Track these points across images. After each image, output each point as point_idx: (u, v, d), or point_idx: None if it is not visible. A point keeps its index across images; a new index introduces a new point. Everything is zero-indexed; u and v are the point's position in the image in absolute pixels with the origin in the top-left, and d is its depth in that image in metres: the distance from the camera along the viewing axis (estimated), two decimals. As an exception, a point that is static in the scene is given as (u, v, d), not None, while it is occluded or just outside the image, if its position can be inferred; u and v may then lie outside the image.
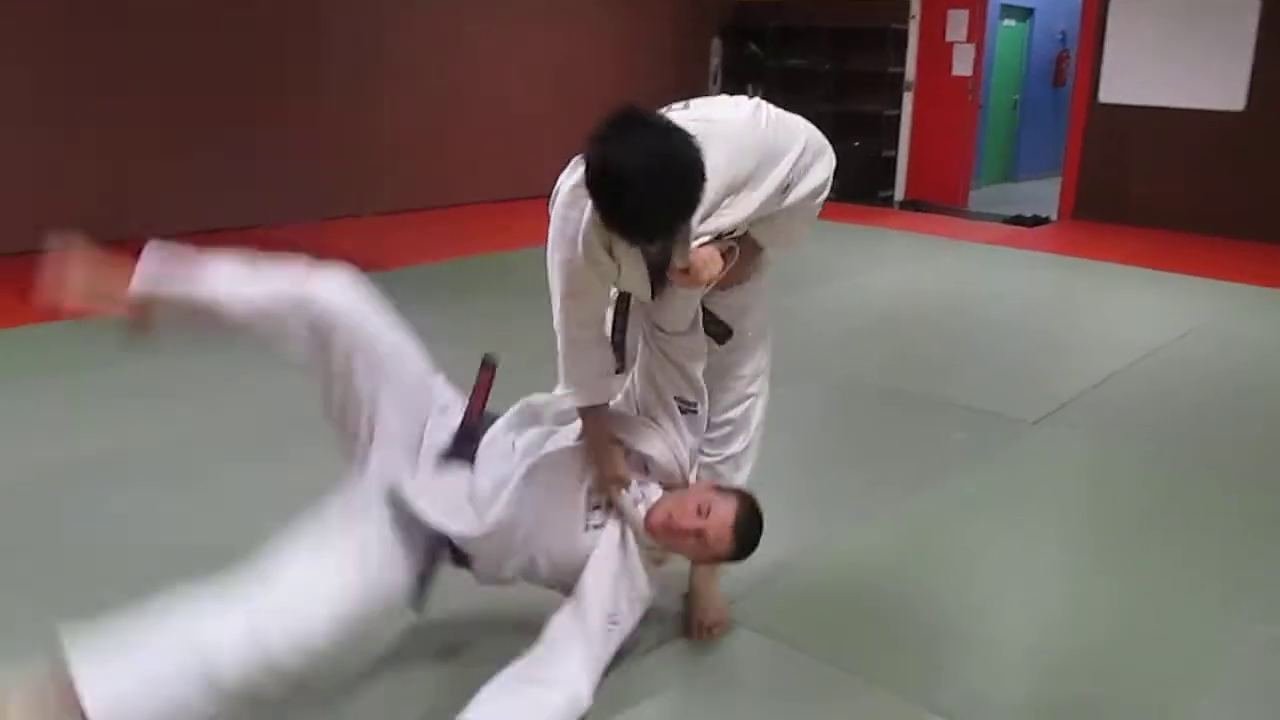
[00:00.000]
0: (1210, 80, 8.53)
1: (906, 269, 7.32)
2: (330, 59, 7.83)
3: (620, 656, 2.21)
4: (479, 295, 5.91)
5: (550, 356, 2.21)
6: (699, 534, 2.11)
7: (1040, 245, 8.20)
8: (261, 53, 7.37)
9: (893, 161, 10.40)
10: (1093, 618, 2.70)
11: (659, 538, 2.15)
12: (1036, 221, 9.28)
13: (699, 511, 2.12)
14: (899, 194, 10.41)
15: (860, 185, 10.30)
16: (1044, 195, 10.06)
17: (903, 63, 10.20)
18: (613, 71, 10.11)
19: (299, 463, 2.64)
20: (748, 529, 2.17)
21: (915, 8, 10.03)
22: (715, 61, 11.19)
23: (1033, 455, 3.82)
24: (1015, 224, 9.25)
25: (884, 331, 5.48)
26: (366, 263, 4.96)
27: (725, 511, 2.14)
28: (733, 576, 2.74)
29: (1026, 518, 3.29)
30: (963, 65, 9.98)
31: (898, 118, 10.33)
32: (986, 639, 2.56)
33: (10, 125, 6.28)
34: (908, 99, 10.27)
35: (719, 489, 2.24)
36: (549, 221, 2.05)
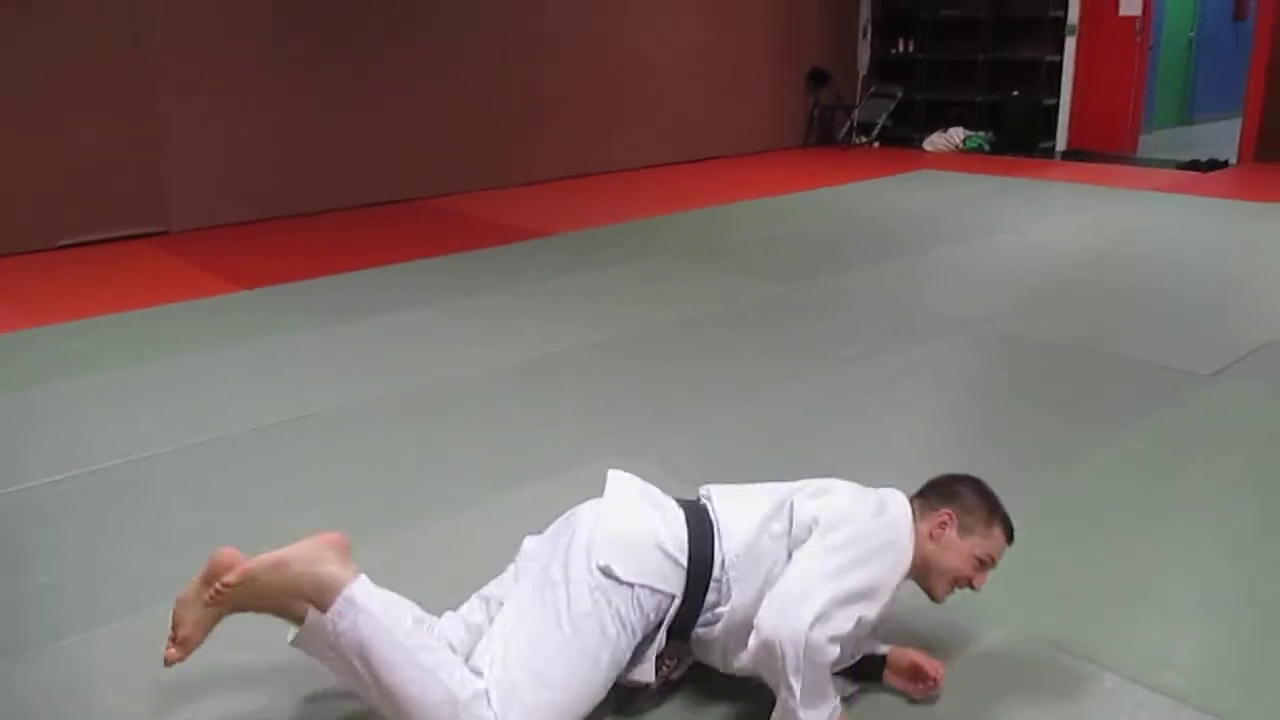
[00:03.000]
0: None
1: (1068, 220, 7.03)
2: (476, 33, 8.01)
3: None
4: (646, 257, 5.99)
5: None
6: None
7: (1217, 191, 7.73)
8: (420, 35, 7.61)
9: (1054, 110, 9.97)
10: (1268, 579, 2.57)
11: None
12: (1213, 166, 8.75)
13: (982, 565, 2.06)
14: (1061, 144, 9.97)
15: (1019, 136, 9.94)
16: (1223, 138, 9.47)
17: (1065, 5, 9.73)
18: (758, 28, 10.01)
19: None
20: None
21: (1078, -54, 9.55)
22: (865, 14, 10.93)
23: (1207, 410, 3.63)
24: (1189, 169, 8.74)
25: (1047, 283, 5.29)
26: (525, 229, 5.03)
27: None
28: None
29: (1198, 475, 3.14)
30: (1130, 4, 9.45)
31: (1059, 64, 9.88)
32: (1161, 600, 2.47)
33: (198, 106, 6.70)
34: (1070, 43, 9.80)
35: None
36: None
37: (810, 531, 1.93)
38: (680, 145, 9.56)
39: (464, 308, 4.90)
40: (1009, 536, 2.06)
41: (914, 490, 2.13)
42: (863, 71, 11.03)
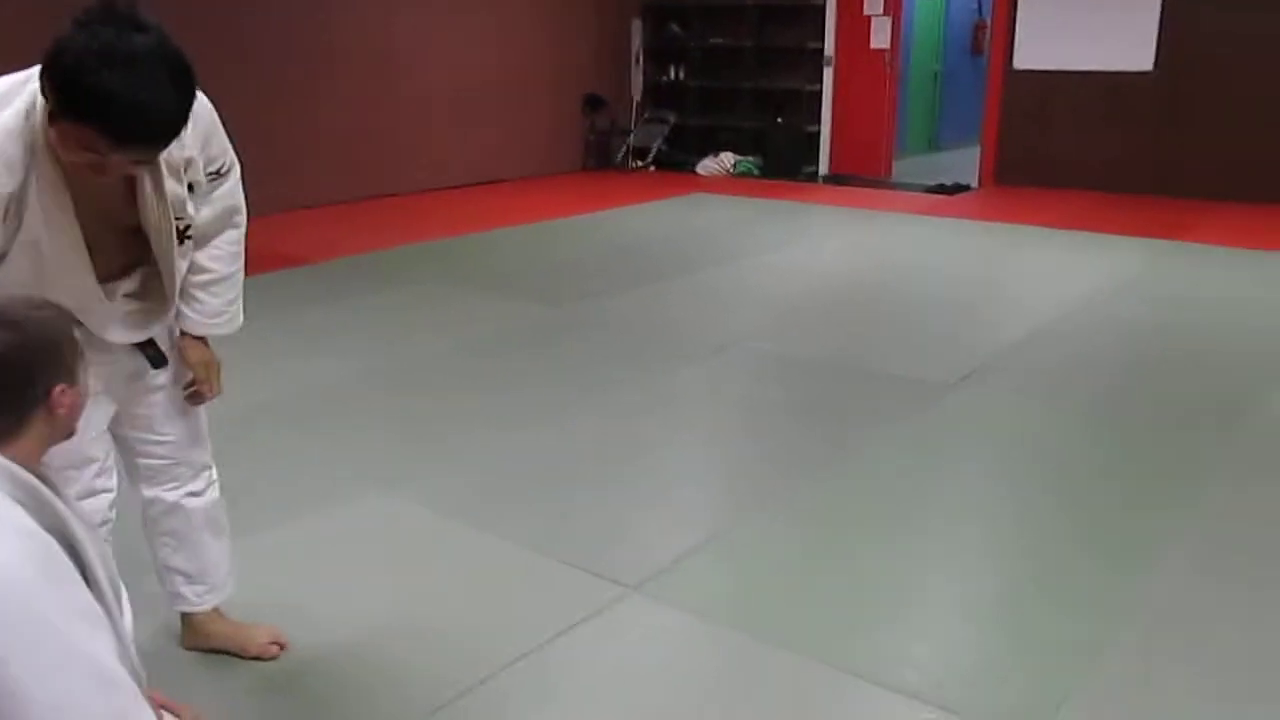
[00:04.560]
0: (1120, 42, 8.72)
1: (828, 241, 7.39)
2: (256, 52, 7.68)
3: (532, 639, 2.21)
4: (417, 282, 5.86)
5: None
6: None
7: (962, 212, 8.33)
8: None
9: (816, 136, 10.48)
10: (1012, 573, 2.76)
11: None
12: (958, 189, 9.42)
13: None
14: (823, 169, 10.49)
15: (784, 162, 10.38)
16: (967, 163, 10.21)
17: (822, 38, 10.27)
18: (534, 54, 10.05)
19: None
20: None
21: (832, -19, 10.10)
22: (637, 41, 11.17)
23: (949, 417, 3.88)
24: (937, 192, 9.38)
25: (805, 304, 5.54)
26: (294, 256, 4.80)
27: None
28: (656, 554, 2.77)
29: (943, 478, 3.35)
30: (880, 38, 10.07)
31: (819, 93, 10.41)
32: (906, 602, 2.60)
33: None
34: (828, 74, 10.35)
35: None
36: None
37: None
38: (460, 170, 9.46)
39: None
40: None
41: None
42: (636, 97, 11.26)
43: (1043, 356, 4.57)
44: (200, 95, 1.76)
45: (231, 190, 2.06)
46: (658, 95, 11.32)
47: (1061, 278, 6.06)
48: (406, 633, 2.43)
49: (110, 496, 2.04)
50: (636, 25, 11.13)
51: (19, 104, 1.65)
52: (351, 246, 6.81)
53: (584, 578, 2.67)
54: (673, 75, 11.25)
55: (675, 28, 11.12)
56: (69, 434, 1.50)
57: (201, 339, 2.11)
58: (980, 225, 7.82)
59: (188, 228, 1.93)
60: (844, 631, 2.44)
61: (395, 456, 3.45)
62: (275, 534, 2.87)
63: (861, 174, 10.20)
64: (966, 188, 9.49)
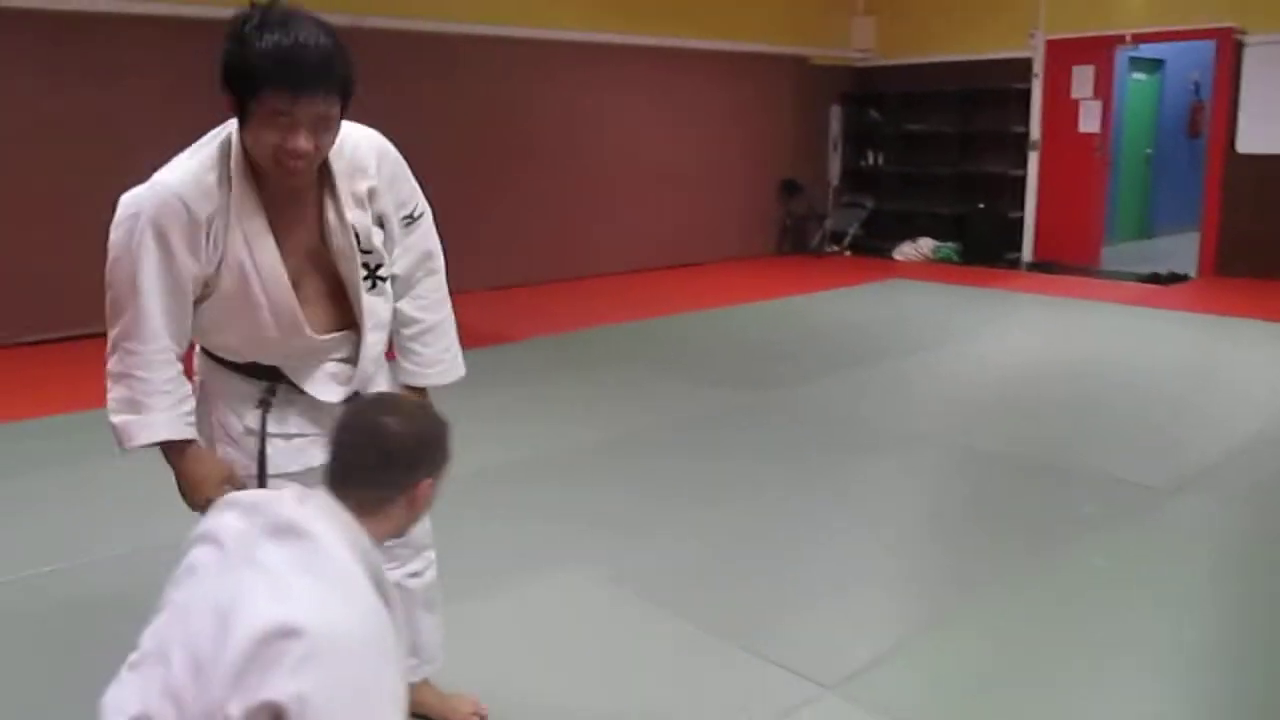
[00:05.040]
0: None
1: (1033, 331, 7.14)
2: (457, 137, 8.17)
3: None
4: (614, 363, 6.02)
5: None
6: None
7: (1179, 304, 7.90)
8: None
9: (1019, 222, 10.21)
10: (1233, 709, 2.56)
11: None
12: (1174, 279, 8.94)
13: None
14: (1026, 255, 10.19)
15: (986, 248, 10.14)
16: (1183, 251, 9.71)
17: (1027, 122, 10.05)
18: (732, 139, 10.26)
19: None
20: None
21: (1038, 66, 9.90)
22: (835, 127, 11.24)
23: (1168, 527, 3.66)
24: (1151, 282, 8.93)
25: (1008, 396, 5.36)
26: (496, 334, 4.98)
27: None
28: (847, 654, 2.72)
29: (1160, 595, 3.14)
30: (1090, 122, 9.77)
31: (1023, 178, 10.16)
32: (1115, 721, 2.46)
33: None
34: (1033, 158, 10.10)
35: None
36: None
37: None
38: (656, 252, 9.70)
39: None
40: None
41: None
42: (834, 182, 11.29)
43: (1267, 465, 4.25)
44: (385, 141, 2.01)
45: (425, 234, 2.15)
46: (855, 180, 11.32)
47: (1293, 377, 5.65)
48: (598, 714, 2.47)
49: None
50: (835, 111, 11.21)
51: (211, 146, 1.84)
52: (549, 326, 7.06)
53: (775, 671, 2.65)
54: (870, 160, 11.24)
55: (874, 114, 11.14)
56: (414, 524, 1.62)
57: (422, 391, 2.17)
58: (1199, 318, 7.39)
59: (379, 266, 2.00)
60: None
61: (585, 534, 3.52)
62: (468, 606, 2.97)
63: (1068, 261, 9.84)
64: (1184, 277, 9.00)
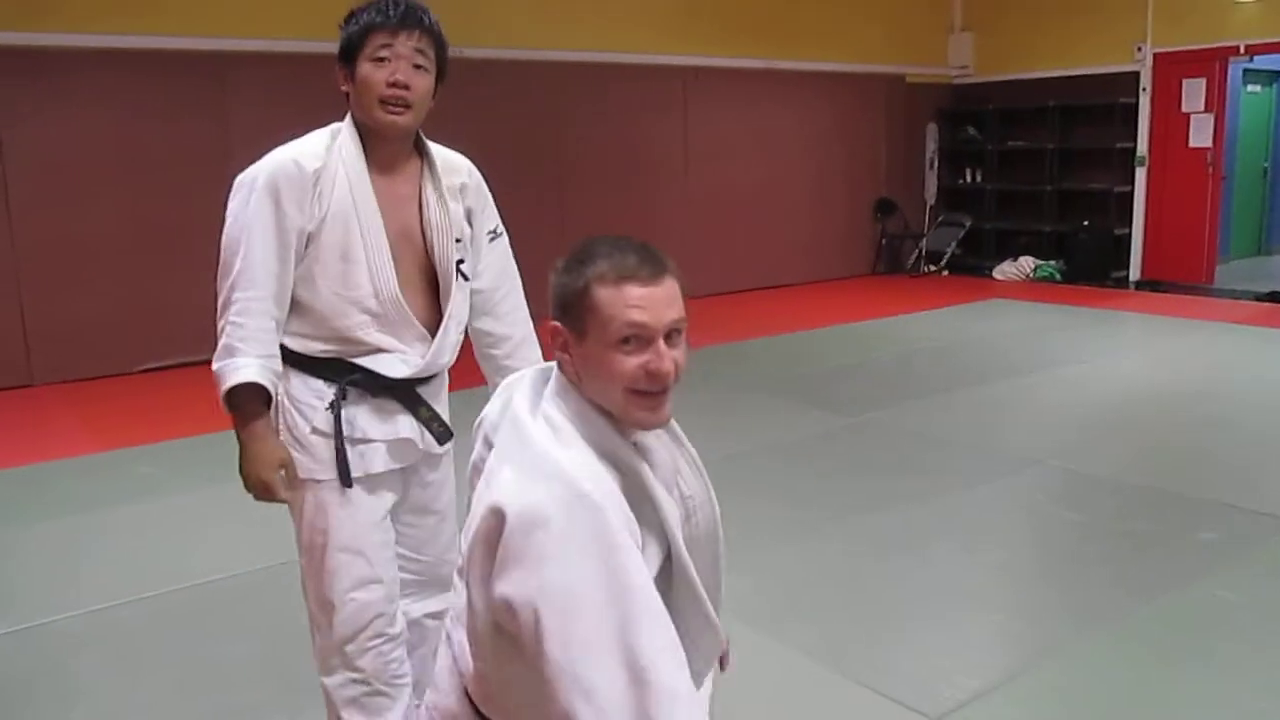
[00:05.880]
0: None
1: (1144, 352, 6.88)
2: (569, 163, 8.26)
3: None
4: (713, 384, 5.98)
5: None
6: None
7: (1299, 323, 7.54)
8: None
9: (1126, 239, 9.88)
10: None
11: None
12: (1294, 297, 8.55)
13: None
14: (1134, 273, 9.85)
15: (1090, 266, 9.84)
16: (1303, 269, 9.29)
17: (1133, 137, 9.74)
18: (828, 158, 10.17)
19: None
20: None
21: (1146, 80, 9.59)
22: (932, 146, 11.05)
23: (1296, 557, 3.46)
24: (1269, 300, 8.54)
25: (1120, 419, 5.15)
26: None
27: None
28: (955, 685, 2.63)
29: (1290, 628, 2.97)
30: (1201, 136, 9.42)
31: (1130, 194, 9.84)
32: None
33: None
34: (1140, 174, 9.77)
35: None
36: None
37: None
38: (752, 273, 9.65)
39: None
40: (625, 276, 1.38)
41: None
42: (930, 201, 11.09)
43: None
44: (473, 166, 2.14)
45: (506, 253, 2.22)
46: (952, 199, 11.11)
47: None
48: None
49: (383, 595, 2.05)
50: (931, 129, 11.03)
51: (323, 130, 1.98)
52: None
53: (882, 702, 2.57)
54: (968, 178, 11.02)
55: (972, 130, 10.93)
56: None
57: None
58: (1322, 338, 7.04)
59: (462, 261, 2.05)
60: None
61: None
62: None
63: (1178, 280, 9.48)
64: (1305, 295, 8.60)
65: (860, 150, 10.43)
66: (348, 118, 1.97)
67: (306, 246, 1.93)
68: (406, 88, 1.90)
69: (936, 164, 11.08)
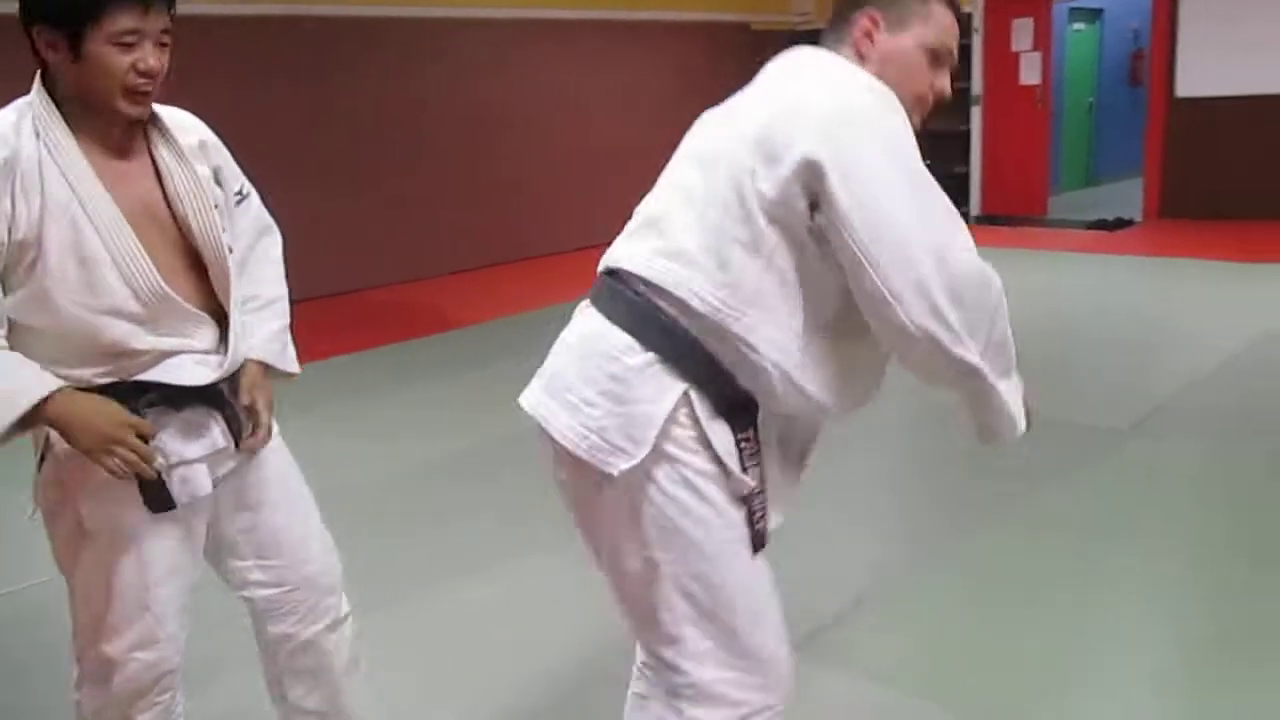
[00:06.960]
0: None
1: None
2: (418, 120, 8.06)
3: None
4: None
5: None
6: None
7: (1125, 248, 7.99)
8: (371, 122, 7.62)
9: (965, 177, 10.26)
10: (1200, 646, 2.60)
11: None
12: (1120, 224, 9.05)
13: None
14: (974, 209, 10.25)
15: (935, 203, 10.18)
16: (1128, 197, 9.81)
17: (969, 77, 10.08)
18: (682, 111, 10.19)
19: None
20: None
21: (978, 21, 9.93)
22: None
23: (1130, 466, 3.70)
24: (1097, 229, 9.03)
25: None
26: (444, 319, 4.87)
27: None
28: (816, 609, 2.72)
29: (1129, 535, 3.18)
30: (1030, 74, 9.84)
31: (967, 133, 10.20)
32: (1084, 669, 2.48)
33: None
34: (976, 113, 10.14)
35: None
36: None
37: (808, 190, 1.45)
38: (609, 228, 9.58)
39: (406, 400, 4.73)
40: (952, 6, 1.61)
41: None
42: (781, 147, 11.28)
43: (1222, 399, 4.32)
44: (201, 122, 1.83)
45: (258, 213, 1.92)
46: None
47: (1237, 314, 5.73)
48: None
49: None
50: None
51: (8, 108, 1.63)
52: (507, 308, 6.99)
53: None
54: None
55: (817, 76, 11.12)
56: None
57: (260, 366, 1.84)
58: (1146, 261, 7.49)
59: (224, 231, 1.77)
60: (1030, 698, 2.34)
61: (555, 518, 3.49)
62: (411, 607, 2.94)
63: (1015, 213, 9.91)
64: (1129, 223, 9.10)
65: (717, 99, 10.46)
66: (39, 90, 1.62)
67: (21, 261, 1.57)
68: (154, 75, 1.60)
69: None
